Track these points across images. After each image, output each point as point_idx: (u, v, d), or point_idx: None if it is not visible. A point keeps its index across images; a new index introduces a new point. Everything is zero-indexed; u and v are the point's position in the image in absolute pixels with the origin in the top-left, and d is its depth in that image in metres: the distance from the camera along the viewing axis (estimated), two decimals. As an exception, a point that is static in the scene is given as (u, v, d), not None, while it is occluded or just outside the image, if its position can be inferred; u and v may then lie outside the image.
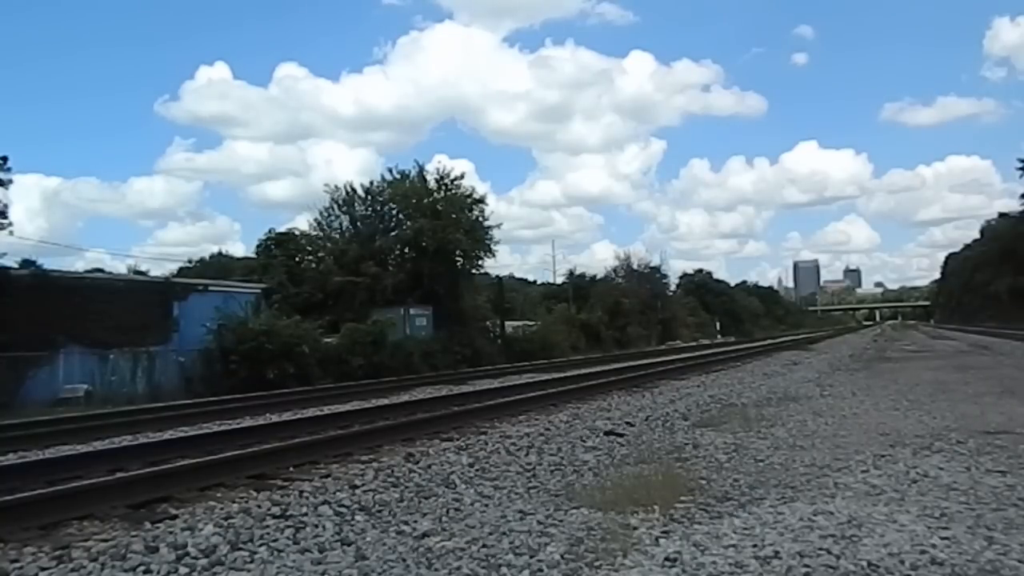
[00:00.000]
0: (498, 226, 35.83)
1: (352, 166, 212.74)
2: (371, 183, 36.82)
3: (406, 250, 34.20)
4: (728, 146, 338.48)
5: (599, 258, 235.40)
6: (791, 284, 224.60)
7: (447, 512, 5.28)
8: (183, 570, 4.17)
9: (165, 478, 6.57)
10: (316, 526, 4.99)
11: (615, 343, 48.78)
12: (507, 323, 38.82)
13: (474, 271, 36.21)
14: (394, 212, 35.58)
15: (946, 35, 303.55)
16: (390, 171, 37.13)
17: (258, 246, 37.98)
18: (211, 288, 24.70)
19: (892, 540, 4.15)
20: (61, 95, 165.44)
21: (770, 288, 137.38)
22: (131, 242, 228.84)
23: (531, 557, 4.12)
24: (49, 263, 24.23)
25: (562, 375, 21.55)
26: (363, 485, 6.31)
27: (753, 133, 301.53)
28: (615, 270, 63.93)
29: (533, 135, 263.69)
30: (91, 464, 7.76)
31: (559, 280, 62.06)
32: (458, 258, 34.13)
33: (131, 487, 6.21)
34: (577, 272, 61.40)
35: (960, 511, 4.76)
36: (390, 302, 30.99)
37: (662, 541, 4.31)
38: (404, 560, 4.15)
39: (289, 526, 4.99)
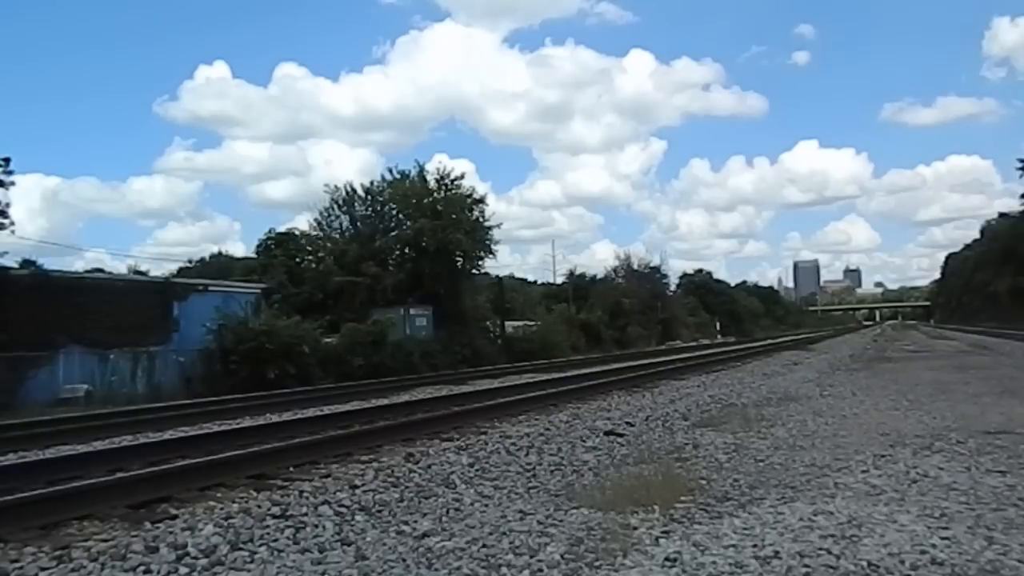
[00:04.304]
0: (498, 226, 35.92)
1: (352, 166, 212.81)
2: (371, 183, 36.92)
3: (406, 250, 34.20)
4: (728, 146, 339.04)
5: (599, 258, 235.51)
6: (791, 284, 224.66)
7: (447, 512, 5.28)
8: (183, 570, 4.16)
9: (165, 478, 6.56)
10: (316, 526, 4.99)
11: (615, 343, 48.80)
12: (507, 323, 38.82)
13: (474, 271, 36.23)
14: (394, 212, 35.59)
15: (946, 35, 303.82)
16: (390, 171, 37.23)
17: (258, 246, 38.05)
18: (211, 288, 24.71)
19: (892, 540, 4.15)
20: (61, 95, 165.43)
21: (770, 288, 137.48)
22: (131, 242, 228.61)
23: (531, 557, 4.12)
24: (49, 263, 24.31)
25: (562, 375, 21.55)
26: (363, 485, 6.31)
27: (753, 133, 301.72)
28: (615, 270, 64.06)
29: (533, 135, 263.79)
30: (91, 464, 7.75)
31: (559, 280, 62.16)
32: (458, 258, 34.13)
33: (131, 487, 6.21)
34: (577, 272, 61.54)
35: (960, 511, 4.75)
36: (390, 302, 31.00)
37: (662, 541, 4.30)
38: (404, 560, 4.14)
39: (289, 526, 4.99)
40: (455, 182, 34.91)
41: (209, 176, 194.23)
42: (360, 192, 36.28)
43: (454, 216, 33.57)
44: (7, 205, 22.50)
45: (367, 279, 31.90)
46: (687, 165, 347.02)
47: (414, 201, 34.09)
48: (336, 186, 36.45)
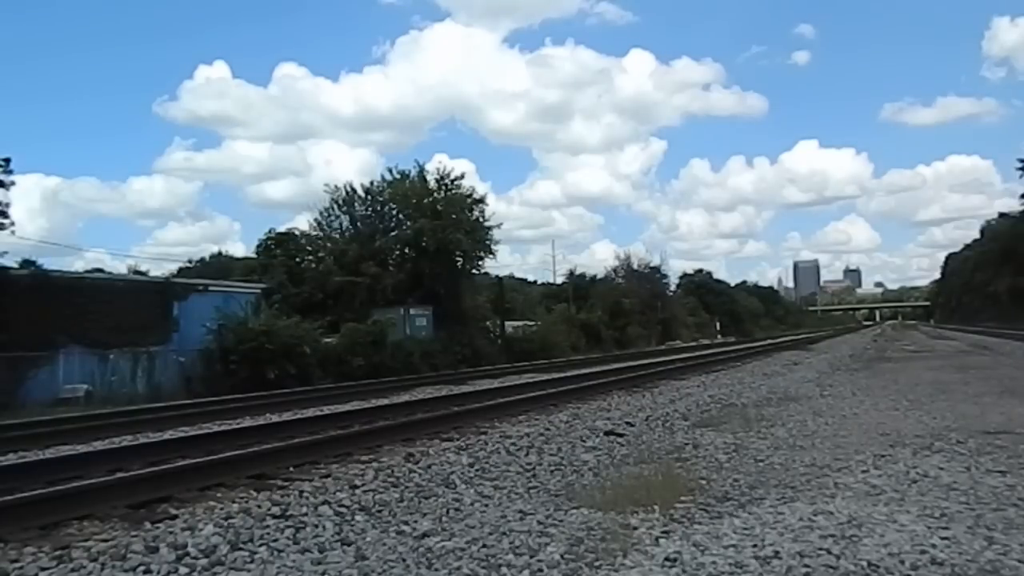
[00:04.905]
0: (498, 226, 35.93)
1: (352, 166, 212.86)
2: (371, 183, 36.92)
3: (406, 250, 34.21)
4: (728, 146, 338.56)
5: (599, 258, 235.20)
6: (791, 284, 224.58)
7: (447, 512, 5.28)
8: (183, 570, 4.17)
9: (165, 478, 6.56)
10: (316, 526, 4.99)
11: (615, 343, 48.78)
12: (507, 323, 38.82)
13: (474, 271, 36.23)
14: (394, 212, 35.59)
15: (946, 35, 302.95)
16: (390, 171, 37.22)
17: (258, 246, 38.02)
18: (211, 288, 24.70)
19: (892, 540, 4.15)
20: (61, 95, 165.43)
21: (770, 288, 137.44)
22: (131, 242, 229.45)
23: (531, 557, 4.12)
24: (49, 263, 24.29)
25: (562, 375, 21.55)
26: (363, 485, 6.31)
27: (753, 133, 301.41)
28: (615, 270, 64.01)
29: (533, 135, 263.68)
30: (91, 464, 7.76)
31: (559, 280, 62.16)
32: (458, 258, 34.13)
33: (131, 487, 6.21)
34: (577, 272, 61.50)
35: (960, 511, 4.76)
36: (390, 302, 31.01)
37: (662, 541, 4.31)
38: (404, 560, 4.15)
39: (289, 526, 4.99)
40: (455, 182, 34.97)
41: (209, 176, 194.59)
42: (360, 192, 36.31)
43: (454, 216, 33.56)
44: (7, 205, 22.50)
45: (367, 279, 31.90)
46: (687, 165, 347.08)
47: (414, 201, 34.09)
48: (336, 186, 36.51)
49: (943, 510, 4.78)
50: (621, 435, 8.80)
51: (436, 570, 3.98)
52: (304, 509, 5.48)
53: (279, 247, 35.70)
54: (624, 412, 11.33)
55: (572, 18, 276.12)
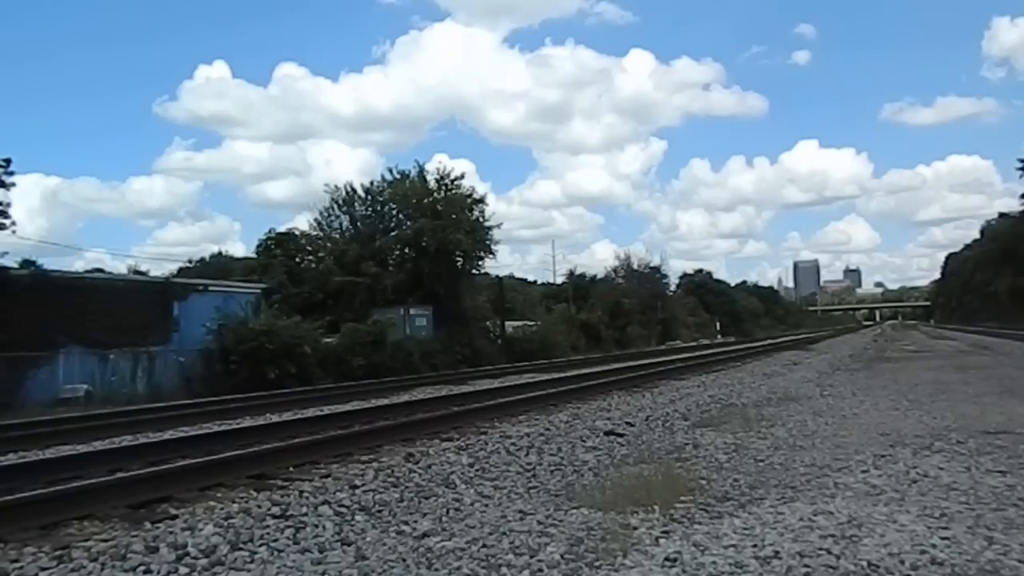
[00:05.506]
0: (498, 226, 35.95)
1: (352, 166, 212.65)
2: (371, 183, 36.96)
3: (406, 250, 34.22)
4: (728, 146, 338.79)
5: (599, 258, 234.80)
6: (791, 284, 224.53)
7: (447, 512, 5.28)
8: (183, 570, 4.17)
9: (165, 478, 6.56)
10: (316, 526, 4.99)
11: (615, 343, 48.78)
12: (507, 323, 38.82)
13: (474, 271, 36.24)
14: (394, 212, 35.62)
15: (946, 35, 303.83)
16: (390, 171, 37.27)
17: (258, 246, 37.99)
18: (211, 288, 24.70)
19: (892, 540, 4.15)
20: (61, 95, 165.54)
21: (770, 288, 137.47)
22: (131, 242, 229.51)
23: (531, 557, 4.12)
24: (49, 263, 24.27)
25: (562, 375, 21.55)
26: (363, 485, 6.31)
27: (753, 133, 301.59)
28: (615, 270, 64.04)
29: (533, 135, 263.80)
30: (91, 464, 7.76)
31: (559, 280, 62.16)
32: (458, 258, 34.14)
33: (131, 487, 6.21)
34: (577, 272, 61.49)
35: (960, 511, 4.75)
36: (390, 302, 31.02)
37: (662, 541, 4.31)
38: (404, 560, 4.15)
39: (289, 526, 4.99)
40: (455, 182, 34.98)
41: (209, 176, 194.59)
42: (360, 192, 36.34)
43: (454, 216, 33.58)
44: (7, 205, 22.41)
45: (367, 279, 31.90)
46: (687, 165, 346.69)
47: (414, 201, 34.10)
48: (336, 186, 36.55)
49: (943, 510, 4.78)
50: (621, 435, 8.80)
51: (436, 570, 3.98)
52: (304, 509, 5.48)
53: (279, 247, 35.68)
54: (624, 412, 11.33)
55: (572, 18, 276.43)
